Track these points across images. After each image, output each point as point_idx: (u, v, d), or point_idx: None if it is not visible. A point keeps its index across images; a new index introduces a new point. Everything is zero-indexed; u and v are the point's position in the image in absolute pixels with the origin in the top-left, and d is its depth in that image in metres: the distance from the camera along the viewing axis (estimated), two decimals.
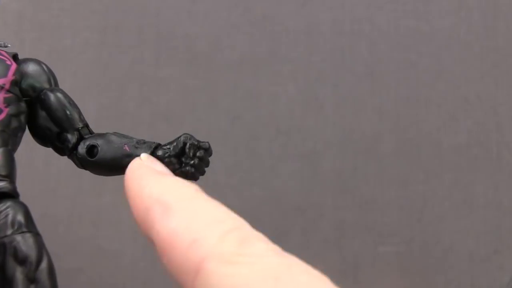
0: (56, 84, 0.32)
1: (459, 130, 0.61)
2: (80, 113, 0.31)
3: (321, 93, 0.61)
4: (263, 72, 0.61)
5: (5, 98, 0.30)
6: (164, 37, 0.61)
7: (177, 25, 0.61)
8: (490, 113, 0.61)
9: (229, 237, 0.19)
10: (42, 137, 0.32)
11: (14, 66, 0.31)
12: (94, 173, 0.30)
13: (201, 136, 0.28)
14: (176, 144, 0.27)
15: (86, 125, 0.31)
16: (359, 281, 0.58)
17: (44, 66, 0.32)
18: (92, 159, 0.29)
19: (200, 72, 0.61)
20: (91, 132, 0.31)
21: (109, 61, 0.61)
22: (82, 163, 0.30)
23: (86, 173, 0.30)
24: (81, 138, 0.30)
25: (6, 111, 0.30)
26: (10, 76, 0.31)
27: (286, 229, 0.59)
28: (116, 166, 0.28)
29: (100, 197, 0.60)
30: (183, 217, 0.20)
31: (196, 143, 0.27)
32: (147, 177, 0.24)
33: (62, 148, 0.31)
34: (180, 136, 0.27)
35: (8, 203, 0.28)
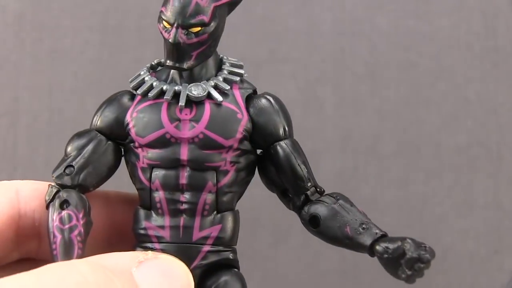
0: (290, 129, 0.31)
1: (459, 130, 0.61)
2: (309, 172, 0.30)
3: (321, 93, 0.61)
4: (263, 72, 0.61)
5: (232, 157, 0.29)
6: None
7: None
8: (490, 113, 0.61)
9: None
10: (270, 185, 0.31)
11: (245, 119, 0.29)
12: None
13: None
14: (397, 248, 0.27)
15: (315, 185, 0.30)
16: (359, 281, 0.58)
17: (279, 109, 0.31)
18: (314, 229, 0.30)
19: None
20: (319, 191, 0.30)
21: (109, 61, 0.61)
22: (304, 225, 0.30)
23: None
24: (306, 200, 0.30)
25: (232, 170, 0.29)
26: (239, 134, 0.29)
27: (286, 229, 0.59)
28: (336, 242, 0.29)
29: None
30: None
31: (416, 256, 0.26)
32: None
33: (287, 201, 0.31)
34: (404, 241, 0.27)
35: (227, 278, 0.28)
